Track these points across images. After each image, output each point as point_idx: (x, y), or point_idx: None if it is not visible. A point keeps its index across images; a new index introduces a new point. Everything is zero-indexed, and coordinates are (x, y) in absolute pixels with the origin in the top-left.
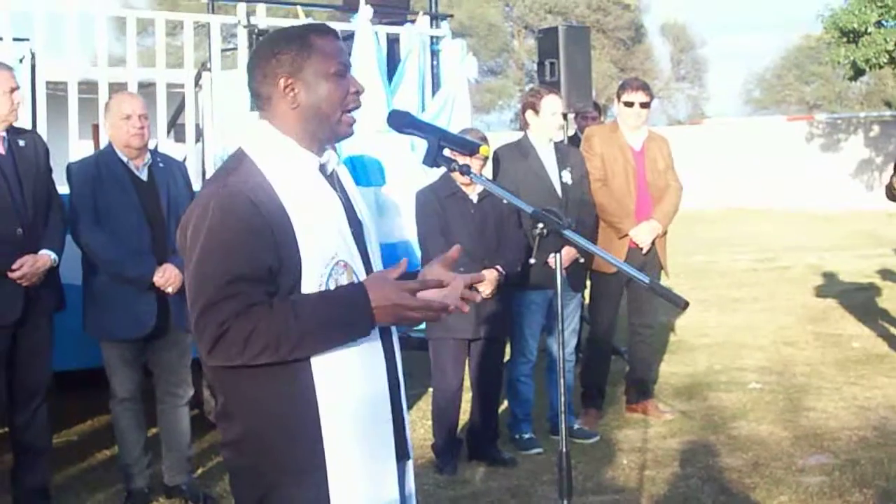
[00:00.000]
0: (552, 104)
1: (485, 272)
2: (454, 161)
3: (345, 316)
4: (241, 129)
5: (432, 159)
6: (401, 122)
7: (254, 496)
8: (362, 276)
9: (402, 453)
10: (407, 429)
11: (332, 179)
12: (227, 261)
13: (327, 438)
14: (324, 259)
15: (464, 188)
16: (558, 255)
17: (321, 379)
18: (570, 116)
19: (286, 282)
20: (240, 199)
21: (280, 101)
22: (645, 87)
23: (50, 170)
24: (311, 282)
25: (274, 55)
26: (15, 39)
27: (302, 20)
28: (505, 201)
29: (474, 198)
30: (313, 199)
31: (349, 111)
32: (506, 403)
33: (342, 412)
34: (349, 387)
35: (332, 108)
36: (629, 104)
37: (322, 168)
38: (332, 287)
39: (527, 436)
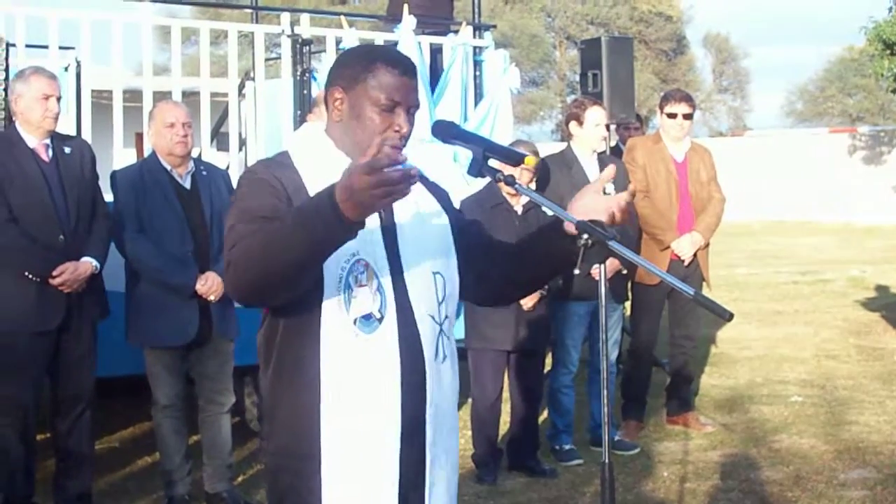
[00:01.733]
0: (596, 115)
1: None
2: (499, 171)
3: (313, 210)
4: (286, 136)
5: (477, 170)
6: (446, 132)
7: (276, 491)
8: (386, 278)
9: (421, 457)
10: (428, 452)
11: None
12: (242, 207)
13: (325, 435)
14: (344, 255)
15: (509, 199)
16: (603, 266)
17: (327, 376)
18: (612, 128)
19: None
20: (265, 175)
21: (330, 110)
22: (688, 99)
23: (96, 177)
24: (332, 276)
25: (341, 65)
26: (61, 48)
27: (345, 30)
28: (549, 213)
29: (519, 209)
30: None
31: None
32: (546, 414)
33: (342, 412)
34: (352, 390)
35: (367, 136)
36: (672, 115)
37: None
38: (352, 283)
39: (567, 447)
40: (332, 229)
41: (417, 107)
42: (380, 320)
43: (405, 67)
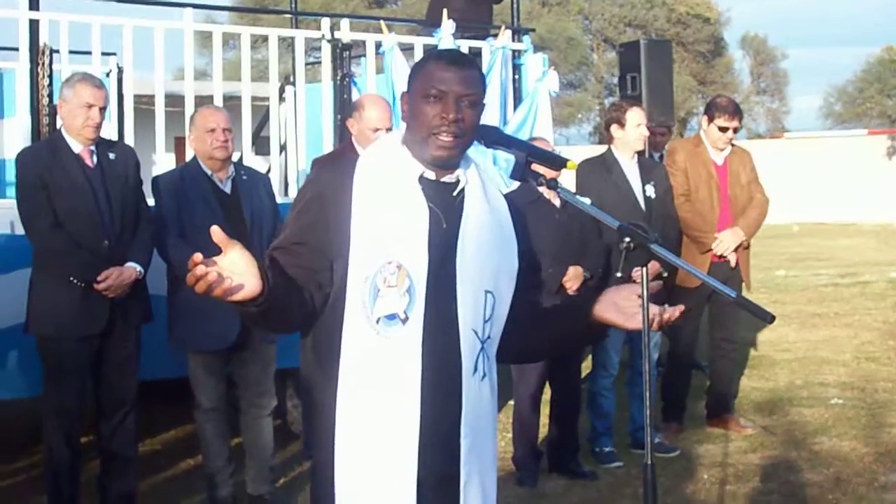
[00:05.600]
0: (637, 116)
1: (570, 267)
2: (541, 175)
3: None
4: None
5: (520, 174)
6: (489, 137)
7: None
8: (420, 281)
9: (452, 472)
10: (463, 448)
11: (443, 194)
12: (287, 224)
13: (339, 439)
14: (376, 258)
15: (546, 193)
16: (645, 269)
17: (344, 375)
18: None
19: (340, 268)
20: (311, 188)
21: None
22: (739, 112)
23: (140, 182)
24: (358, 273)
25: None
26: (103, 54)
27: (385, 35)
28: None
29: (557, 202)
30: (393, 204)
31: (436, 135)
32: (586, 416)
33: (355, 416)
34: (368, 390)
35: (419, 127)
36: (723, 129)
37: (424, 180)
38: (379, 283)
39: (607, 449)
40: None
41: (474, 99)
42: (404, 321)
43: (453, 58)
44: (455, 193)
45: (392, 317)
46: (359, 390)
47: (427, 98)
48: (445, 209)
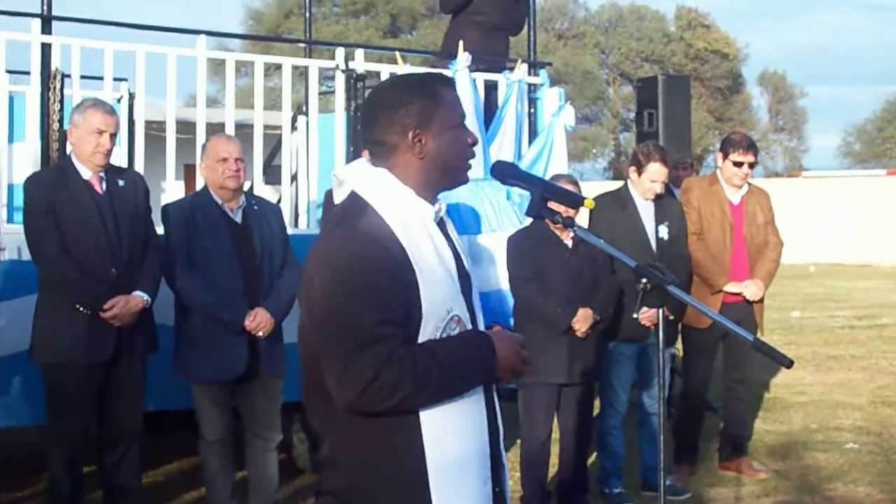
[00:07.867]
0: (655, 173)
1: (580, 310)
2: (557, 213)
3: (476, 364)
4: (357, 175)
5: (536, 211)
6: (506, 173)
7: None
8: (471, 328)
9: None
10: (506, 481)
11: (443, 229)
12: (370, 304)
13: (435, 494)
14: (441, 312)
15: (558, 233)
16: (661, 310)
17: (429, 433)
18: None
19: (408, 331)
20: (373, 243)
21: (406, 151)
22: (754, 147)
23: (149, 210)
24: (427, 334)
25: (402, 105)
26: (115, 79)
27: (400, 66)
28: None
29: (569, 242)
30: (431, 250)
31: (468, 159)
32: (595, 456)
33: (449, 467)
34: (456, 442)
35: (457, 158)
36: (738, 164)
37: (434, 217)
38: None
39: (617, 490)
40: (484, 381)
41: None
42: None
43: (453, 81)
44: (439, 223)
45: None
46: (441, 439)
47: (456, 127)
48: (448, 240)
